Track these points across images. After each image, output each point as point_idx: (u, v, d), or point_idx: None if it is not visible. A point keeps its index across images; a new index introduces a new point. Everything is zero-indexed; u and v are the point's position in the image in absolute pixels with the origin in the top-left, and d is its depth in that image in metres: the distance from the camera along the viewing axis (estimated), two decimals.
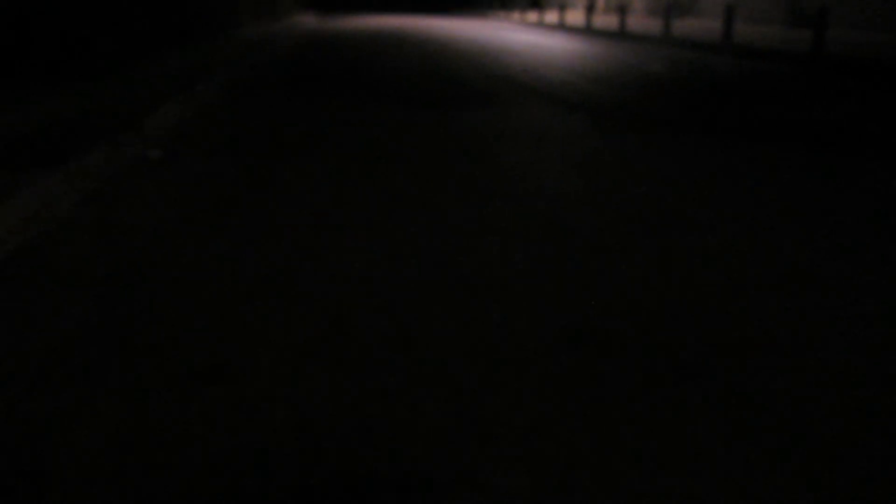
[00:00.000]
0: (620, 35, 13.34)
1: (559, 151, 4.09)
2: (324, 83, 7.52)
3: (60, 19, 6.79)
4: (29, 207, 2.90)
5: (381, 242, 2.66)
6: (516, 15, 21.52)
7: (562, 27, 16.12)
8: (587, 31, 14.80)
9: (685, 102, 6.06)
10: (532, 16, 19.88)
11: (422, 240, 2.70)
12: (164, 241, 2.69)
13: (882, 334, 1.83)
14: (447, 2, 41.57)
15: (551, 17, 19.00)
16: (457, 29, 16.27)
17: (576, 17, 19.37)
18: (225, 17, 14.45)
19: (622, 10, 14.28)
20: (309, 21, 21.61)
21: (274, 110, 5.80)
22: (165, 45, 9.77)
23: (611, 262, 2.45)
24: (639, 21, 17.20)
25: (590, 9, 16.19)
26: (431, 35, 14.70)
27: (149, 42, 9.24)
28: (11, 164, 3.27)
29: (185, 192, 3.34)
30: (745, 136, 4.57)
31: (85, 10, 7.36)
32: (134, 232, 2.82)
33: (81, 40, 7.12)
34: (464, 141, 4.45)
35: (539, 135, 4.55)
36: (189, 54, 8.88)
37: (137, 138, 4.28)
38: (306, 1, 31.87)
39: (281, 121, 5.31)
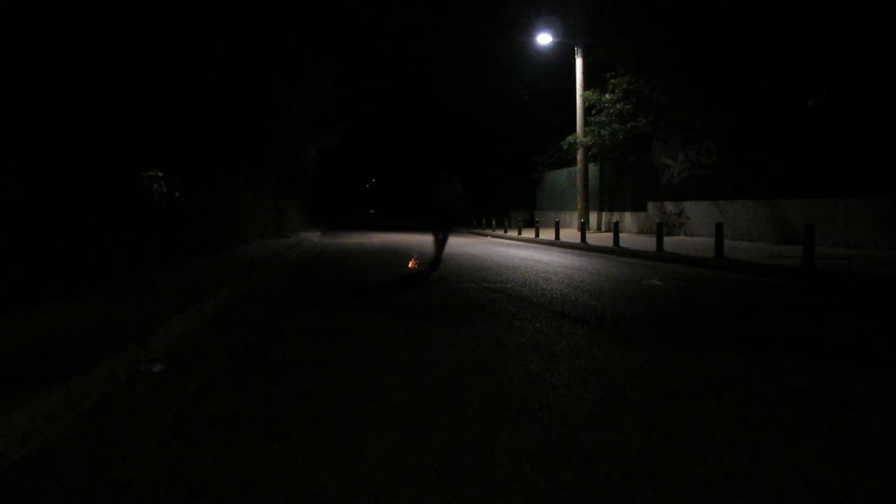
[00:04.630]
0: (615, 251, 13.92)
1: (566, 366, 4.06)
2: (329, 297, 7.68)
3: (82, 237, 7.13)
4: (26, 424, 2.82)
5: (382, 468, 2.55)
6: (513, 232, 22.63)
7: (558, 244, 16.88)
8: (583, 247, 15.47)
9: (685, 316, 6.15)
10: (528, 233, 20.91)
11: (433, 464, 2.58)
12: (151, 464, 2.60)
13: None
14: (449, 219, 43.86)
15: (546, 234, 19.97)
16: (457, 245, 17.00)
17: (571, 234, 20.36)
18: (233, 235, 15.19)
19: (616, 228, 15.04)
20: (314, 237, 22.69)
21: (276, 325, 5.85)
22: (180, 258, 10.16)
23: (633, 489, 2.32)
24: (631, 238, 18.06)
25: (584, 226, 17.08)
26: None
27: (166, 255, 9.62)
28: (19, 378, 3.23)
29: (181, 410, 3.27)
30: (748, 348, 4.57)
31: (105, 231, 7.76)
32: (123, 451, 2.72)
33: (102, 255, 7.42)
34: (471, 355, 4.44)
35: (545, 349, 4.55)
36: (200, 267, 9.20)
37: (142, 350, 4.27)
38: (312, 219, 33.81)
39: (280, 337, 5.34)
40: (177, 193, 11.21)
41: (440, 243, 10.80)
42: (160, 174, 10.61)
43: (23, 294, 5.77)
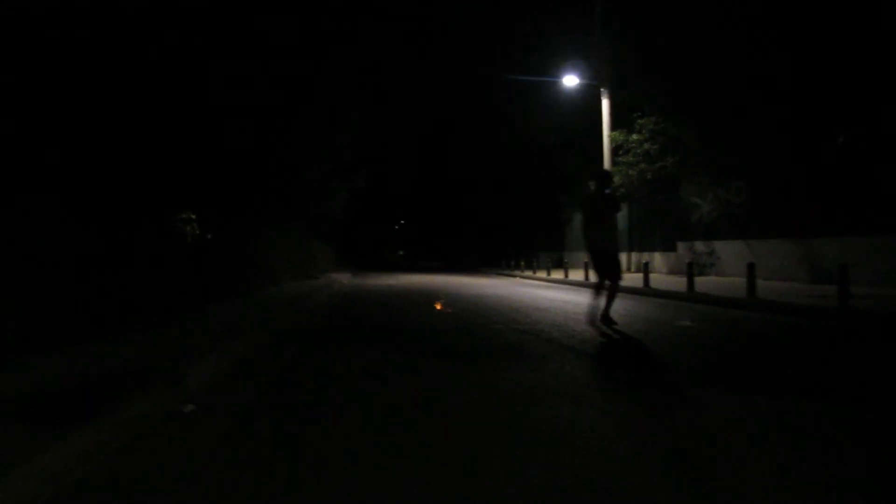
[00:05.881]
0: (645, 291, 13.76)
1: (596, 409, 4.00)
2: (357, 339, 7.70)
3: (118, 281, 7.27)
4: (57, 464, 2.85)
5: None
6: (542, 273, 22.54)
7: (587, 284, 16.73)
8: None
9: (718, 358, 6.03)
10: (557, 273, 20.79)
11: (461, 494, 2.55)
12: None
13: None
14: (475, 261, 44.04)
15: (576, 274, 19.83)
16: (485, 286, 16.99)
17: None
18: (264, 276, 15.36)
19: (645, 268, 14.90)
20: (344, 279, 22.85)
21: (307, 365, 5.87)
22: (212, 298, 10.29)
23: None
24: (661, 278, 17.85)
25: None
26: (462, 292, 15.35)
27: (198, 295, 9.76)
28: (51, 417, 3.27)
29: (210, 453, 3.27)
30: (786, 392, 4.45)
31: (140, 272, 7.91)
32: (150, 494, 2.72)
33: (136, 295, 7.55)
34: (500, 397, 4.39)
35: (574, 392, 4.49)
36: (232, 307, 9.30)
37: (174, 391, 4.31)
38: (342, 260, 34.16)
39: (310, 378, 5.35)
40: (209, 235, 11.41)
41: (609, 291, 8.44)
42: (193, 216, 10.83)
43: (54, 335, 5.87)
